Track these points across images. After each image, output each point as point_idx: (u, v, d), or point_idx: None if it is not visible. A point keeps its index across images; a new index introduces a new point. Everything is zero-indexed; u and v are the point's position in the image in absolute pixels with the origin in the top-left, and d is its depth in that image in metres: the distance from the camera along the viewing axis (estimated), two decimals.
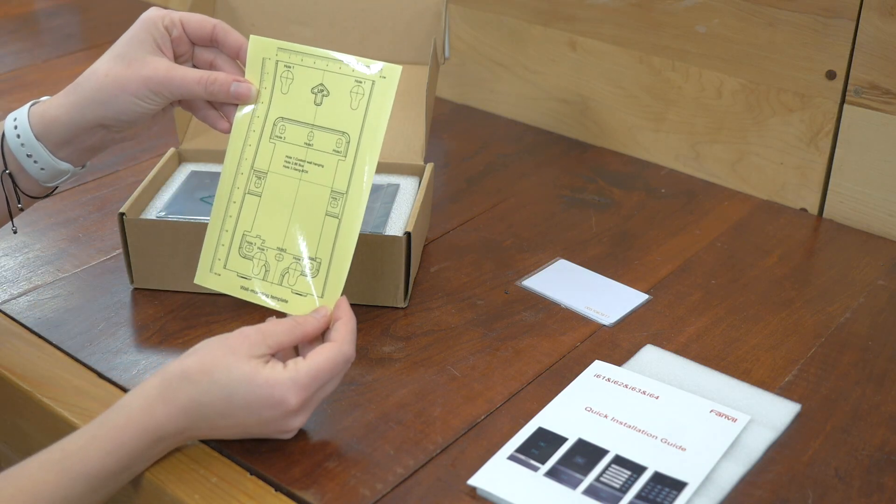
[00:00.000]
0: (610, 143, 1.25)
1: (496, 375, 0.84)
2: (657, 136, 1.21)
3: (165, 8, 0.80)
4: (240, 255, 0.79)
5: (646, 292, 0.96)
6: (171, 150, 1.03)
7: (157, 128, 0.81)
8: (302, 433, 0.76)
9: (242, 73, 0.80)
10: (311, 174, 0.78)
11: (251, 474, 0.73)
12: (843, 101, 1.06)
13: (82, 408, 0.79)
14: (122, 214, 0.90)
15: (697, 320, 0.92)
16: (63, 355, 0.85)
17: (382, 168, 1.04)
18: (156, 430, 0.69)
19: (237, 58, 0.80)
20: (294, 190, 0.78)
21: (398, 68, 0.76)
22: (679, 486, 0.71)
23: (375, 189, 1.01)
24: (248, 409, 0.69)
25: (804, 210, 1.12)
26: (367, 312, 0.91)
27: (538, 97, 1.29)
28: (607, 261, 1.01)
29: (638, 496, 0.71)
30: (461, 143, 1.26)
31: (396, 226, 0.95)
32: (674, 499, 0.70)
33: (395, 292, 0.91)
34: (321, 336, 0.75)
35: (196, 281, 0.80)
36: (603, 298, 0.94)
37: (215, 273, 0.79)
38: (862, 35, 1.03)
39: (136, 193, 0.93)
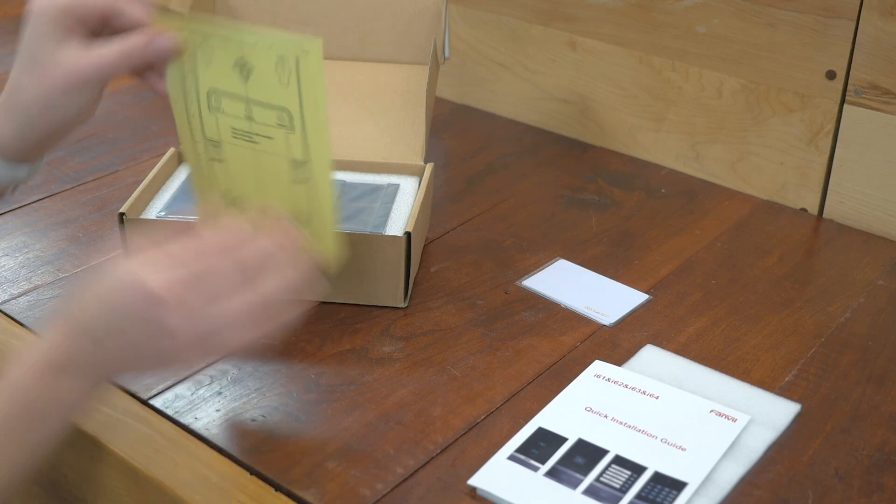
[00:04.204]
0: (610, 143, 1.25)
1: (496, 375, 0.84)
2: (657, 136, 1.21)
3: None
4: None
5: (646, 292, 0.96)
6: (171, 150, 1.03)
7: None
8: (303, 433, 0.76)
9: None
10: (263, 145, 0.74)
11: (251, 474, 0.73)
12: (843, 101, 1.06)
13: None
14: (122, 214, 0.90)
15: (697, 320, 0.92)
16: None
17: (382, 168, 1.04)
18: (48, 357, 0.63)
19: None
20: (253, 159, 0.74)
21: (318, 40, 0.70)
22: (679, 486, 0.71)
23: (375, 189, 1.01)
24: (124, 314, 0.62)
25: (804, 210, 1.12)
26: (367, 312, 0.91)
27: (538, 97, 1.29)
28: (607, 261, 1.01)
29: (638, 496, 0.71)
30: (461, 143, 1.26)
31: (396, 226, 0.95)
32: (674, 499, 0.70)
33: (395, 292, 0.91)
34: None
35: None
36: (603, 298, 0.94)
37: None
38: (862, 35, 1.03)
39: (136, 193, 0.93)
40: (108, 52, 0.71)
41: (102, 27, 0.72)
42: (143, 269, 0.62)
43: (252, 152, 0.74)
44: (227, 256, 0.65)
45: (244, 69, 0.71)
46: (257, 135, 0.73)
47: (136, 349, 0.64)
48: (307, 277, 0.68)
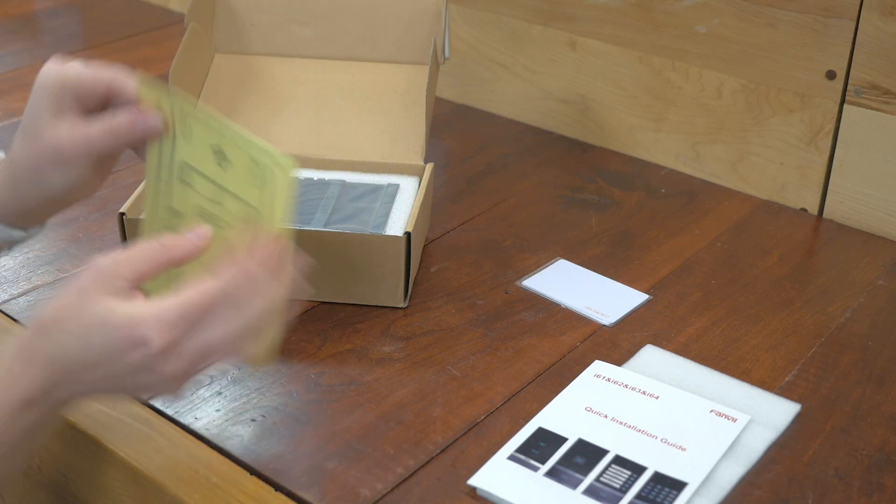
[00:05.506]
0: (610, 143, 1.25)
1: (496, 375, 0.84)
2: (657, 136, 1.21)
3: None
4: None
5: (646, 292, 0.96)
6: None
7: None
8: (303, 433, 0.76)
9: None
10: (226, 232, 0.69)
11: (251, 474, 0.73)
12: (843, 101, 1.06)
13: (81, 408, 0.79)
14: (122, 214, 0.90)
15: (697, 320, 0.92)
16: None
17: (382, 168, 1.04)
18: (18, 394, 0.62)
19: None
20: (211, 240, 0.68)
21: (291, 161, 0.67)
22: (679, 486, 0.71)
23: (375, 189, 1.01)
24: (110, 355, 0.61)
25: (804, 210, 1.12)
26: (367, 312, 0.91)
27: (538, 97, 1.29)
28: (607, 261, 1.01)
29: (638, 496, 0.71)
30: (461, 143, 1.26)
31: (396, 226, 0.95)
32: (674, 499, 0.70)
33: (395, 292, 0.91)
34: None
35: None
36: (603, 298, 0.94)
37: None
38: (862, 35, 1.03)
39: (136, 193, 0.93)
40: (94, 129, 0.71)
41: (103, 105, 0.73)
42: (145, 325, 0.60)
43: (215, 231, 0.69)
44: (224, 301, 0.63)
45: (221, 158, 0.70)
46: (223, 220, 0.70)
47: (118, 383, 0.63)
48: (290, 289, 0.66)
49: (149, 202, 0.74)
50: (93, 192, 0.76)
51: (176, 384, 0.64)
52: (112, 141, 0.71)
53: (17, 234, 0.77)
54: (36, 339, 0.63)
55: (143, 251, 0.64)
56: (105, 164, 0.76)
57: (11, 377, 0.62)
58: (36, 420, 0.64)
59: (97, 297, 0.61)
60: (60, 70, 0.72)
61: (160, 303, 0.61)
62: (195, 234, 0.66)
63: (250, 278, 0.63)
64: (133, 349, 0.60)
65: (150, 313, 0.60)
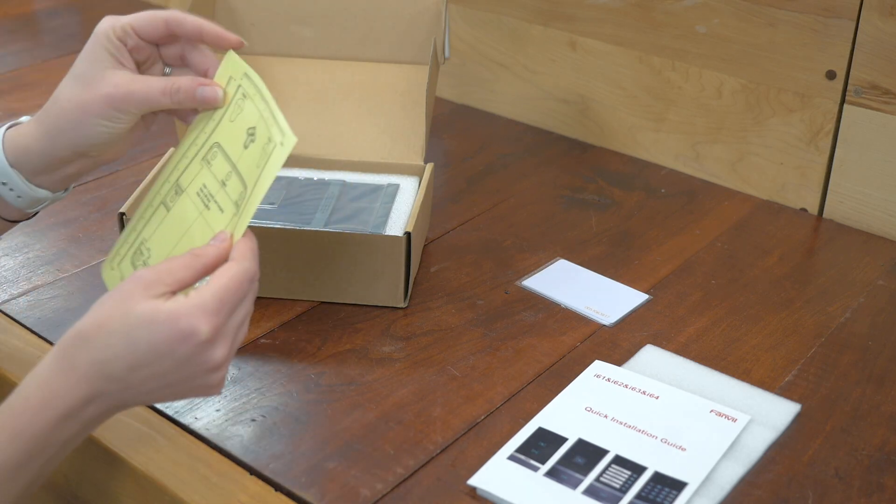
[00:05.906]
0: (610, 143, 1.25)
1: (496, 375, 0.84)
2: (657, 136, 1.21)
3: (164, 8, 0.76)
4: (130, 262, 0.72)
5: (646, 292, 0.96)
6: (171, 150, 1.03)
7: (155, 128, 0.80)
8: (303, 433, 0.76)
9: (212, 61, 0.74)
10: (211, 213, 0.69)
11: (251, 474, 0.73)
12: (843, 101, 1.06)
13: None
14: (122, 214, 0.90)
15: (697, 320, 0.92)
16: None
17: (382, 168, 1.04)
18: (58, 407, 0.61)
19: (200, 40, 0.73)
20: (192, 221, 0.70)
21: (294, 140, 0.67)
22: (679, 486, 0.71)
23: (375, 189, 1.01)
24: (157, 352, 0.61)
25: (804, 210, 1.12)
26: (367, 312, 0.91)
27: (538, 97, 1.29)
28: (607, 261, 1.01)
29: (638, 496, 0.71)
30: (461, 143, 1.26)
31: (396, 226, 0.95)
32: (674, 499, 0.70)
33: (395, 292, 0.91)
34: None
35: (103, 270, 0.74)
36: (603, 298, 0.94)
37: (110, 267, 0.73)
38: (862, 35, 1.03)
39: (135, 193, 0.93)
40: (156, 84, 0.72)
41: (168, 39, 0.74)
42: (190, 317, 0.61)
43: (196, 215, 0.70)
44: (252, 287, 0.65)
45: (250, 138, 0.70)
46: (216, 202, 0.70)
47: (167, 381, 0.63)
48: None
49: (163, 175, 0.73)
50: (119, 156, 0.77)
51: (219, 373, 0.64)
52: (169, 99, 0.72)
53: (41, 193, 0.76)
54: (76, 348, 0.62)
55: (179, 261, 0.64)
56: (138, 130, 0.76)
57: (51, 390, 0.62)
58: (73, 433, 0.63)
59: (141, 300, 0.62)
60: (117, 20, 0.73)
61: (197, 295, 0.62)
62: (217, 240, 0.67)
63: (256, 254, 0.66)
64: (182, 342, 0.61)
65: (192, 305, 0.62)
